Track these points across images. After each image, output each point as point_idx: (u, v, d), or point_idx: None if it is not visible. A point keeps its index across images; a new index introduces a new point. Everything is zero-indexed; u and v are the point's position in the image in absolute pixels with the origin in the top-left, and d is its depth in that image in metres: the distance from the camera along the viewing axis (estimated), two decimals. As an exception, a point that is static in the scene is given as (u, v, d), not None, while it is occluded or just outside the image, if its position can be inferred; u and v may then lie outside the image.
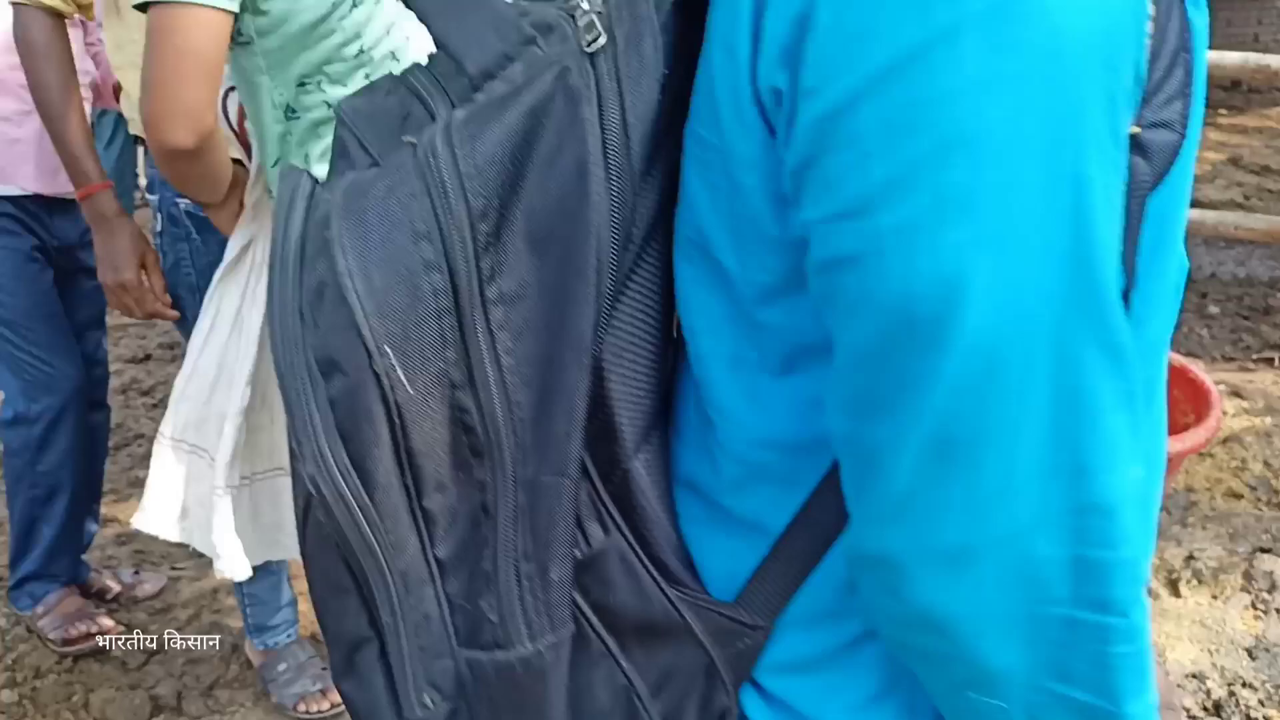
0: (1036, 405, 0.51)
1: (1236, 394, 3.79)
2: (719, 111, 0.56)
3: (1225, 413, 3.64)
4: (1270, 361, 4.14)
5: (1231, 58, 4.05)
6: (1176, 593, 2.71)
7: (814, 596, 0.64)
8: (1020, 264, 0.49)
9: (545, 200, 0.56)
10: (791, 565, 0.63)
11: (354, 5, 1.56)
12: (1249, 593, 2.69)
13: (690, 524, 0.67)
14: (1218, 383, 3.81)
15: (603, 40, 0.57)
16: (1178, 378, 3.08)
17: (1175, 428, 2.98)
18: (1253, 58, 4.12)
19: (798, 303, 0.58)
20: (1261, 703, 2.35)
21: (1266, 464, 3.24)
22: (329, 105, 1.59)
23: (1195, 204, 6.81)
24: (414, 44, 1.74)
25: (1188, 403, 2.98)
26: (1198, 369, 3.04)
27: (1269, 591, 2.67)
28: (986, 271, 0.49)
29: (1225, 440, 3.39)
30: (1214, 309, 4.79)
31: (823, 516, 0.62)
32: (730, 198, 0.58)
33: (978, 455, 0.51)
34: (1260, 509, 3.04)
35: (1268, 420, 3.54)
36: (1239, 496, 3.10)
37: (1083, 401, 0.51)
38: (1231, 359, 4.22)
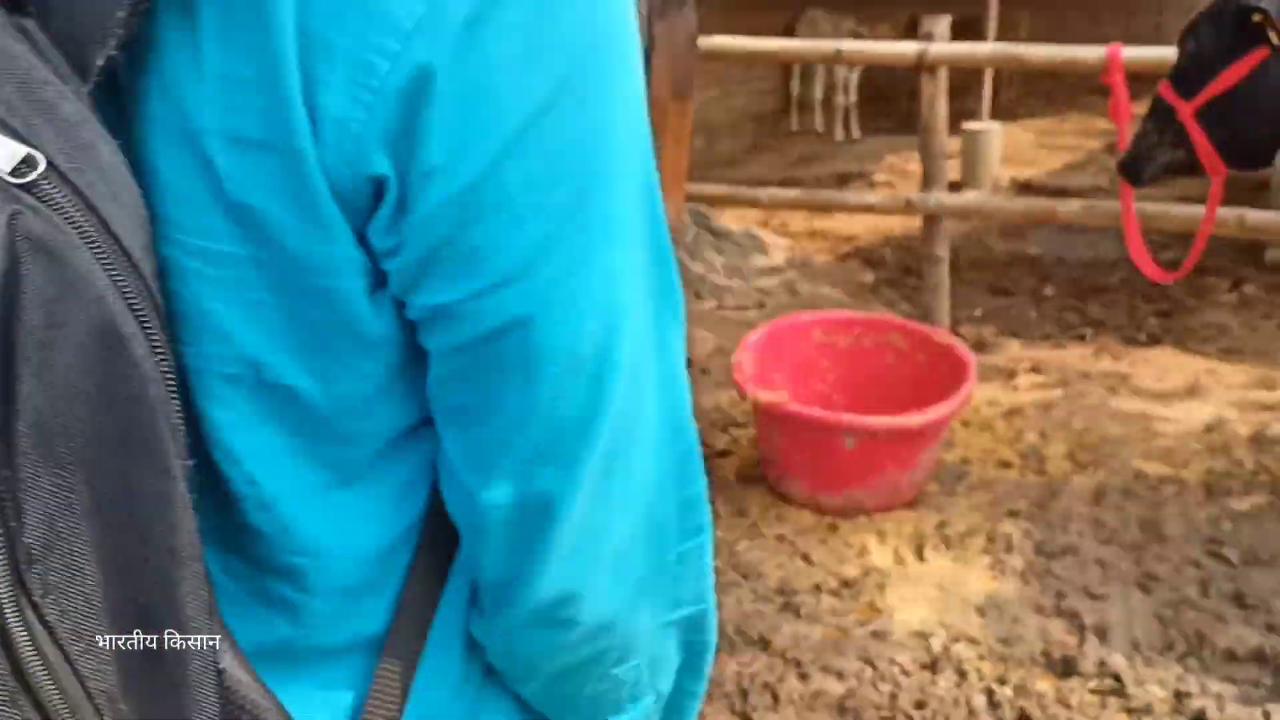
0: (651, 388, 0.58)
1: (1035, 369, 4.11)
2: (253, 217, 0.49)
3: (1017, 387, 3.94)
4: (1082, 338, 4.47)
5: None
6: (921, 558, 2.98)
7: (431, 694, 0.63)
8: (639, 272, 0.56)
9: (66, 408, 0.43)
10: (399, 665, 0.61)
11: None
12: (990, 554, 2.97)
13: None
14: (1025, 360, 4.12)
15: (40, 165, 0.43)
16: (944, 354, 3.36)
17: (935, 400, 3.26)
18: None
19: (395, 400, 0.57)
20: (981, 656, 2.63)
21: (1042, 434, 3.55)
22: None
23: (1060, 192, 7.21)
24: None
25: (950, 378, 3.25)
26: (962, 347, 3.32)
27: (1006, 552, 2.95)
28: (629, 288, 0.55)
29: (1009, 413, 3.69)
30: (1049, 290, 5.13)
31: (416, 605, 0.61)
32: (302, 310, 0.52)
33: (629, 459, 0.58)
34: (1025, 476, 3.34)
35: (1056, 393, 3.86)
36: (1009, 465, 3.39)
37: (673, 369, 0.60)
38: (1048, 337, 4.54)
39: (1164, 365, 4.20)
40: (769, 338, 3.56)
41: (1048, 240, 5.84)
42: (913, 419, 3.01)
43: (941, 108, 3.42)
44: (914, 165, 8.49)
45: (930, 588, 2.87)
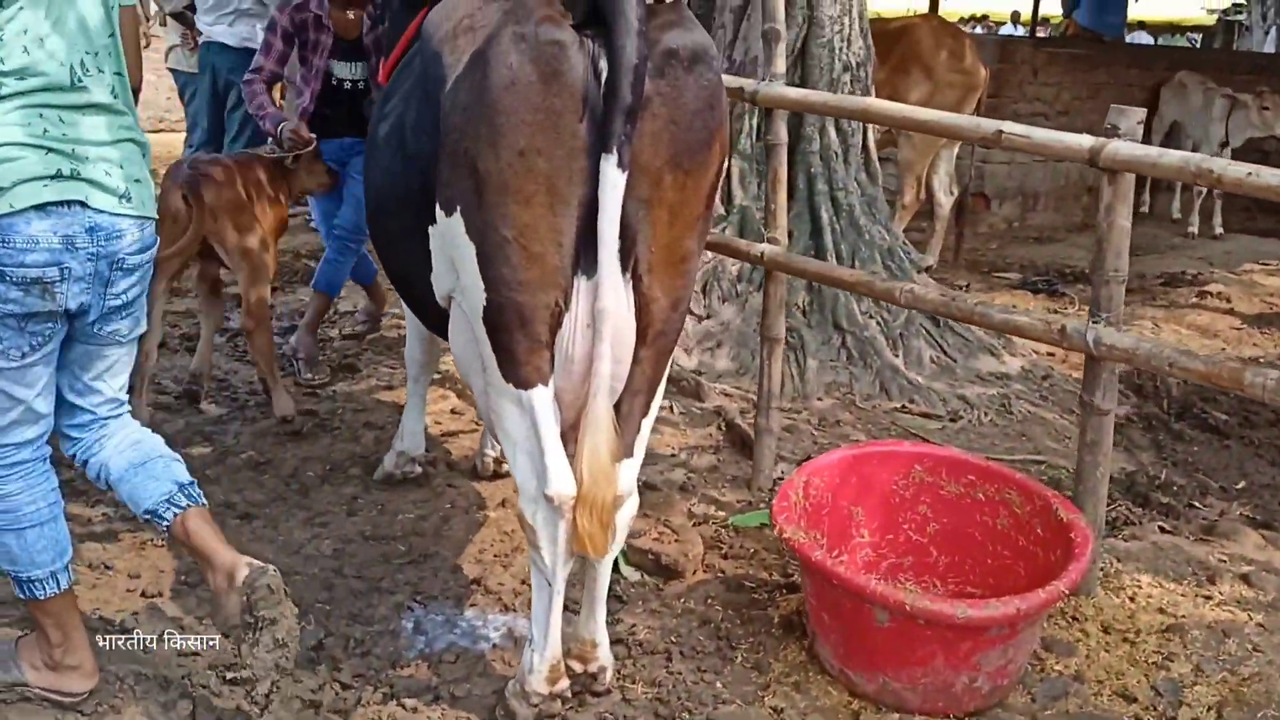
0: None
1: (1247, 579, 3.36)
2: None
3: (1210, 597, 3.25)
4: None
5: None
6: None
7: None
8: None
9: None
10: None
11: None
12: None
13: None
14: (1250, 563, 3.44)
15: None
16: (1060, 533, 2.88)
17: (1040, 570, 2.78)
18: None
19: None
20: None
21: (1196, 668, 2.89)
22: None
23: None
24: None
25: (1058, 565, 2.78)
26: (1084, 528, 2.83)
27: None
28: None
29: (1170, 629, 3.04)
30: None
31: None
32: None
33: None
34: (1145, 721, 2.71)
35: (1253, 620, 3.12)
36: (1130, 700, 2.78)
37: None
38: None
39: None
40: (855, 462, 3.18)
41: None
42: (959, 608, 2.54)
43: (1123, 218, 2.84)
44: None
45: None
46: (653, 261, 2.40)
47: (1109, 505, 3.80)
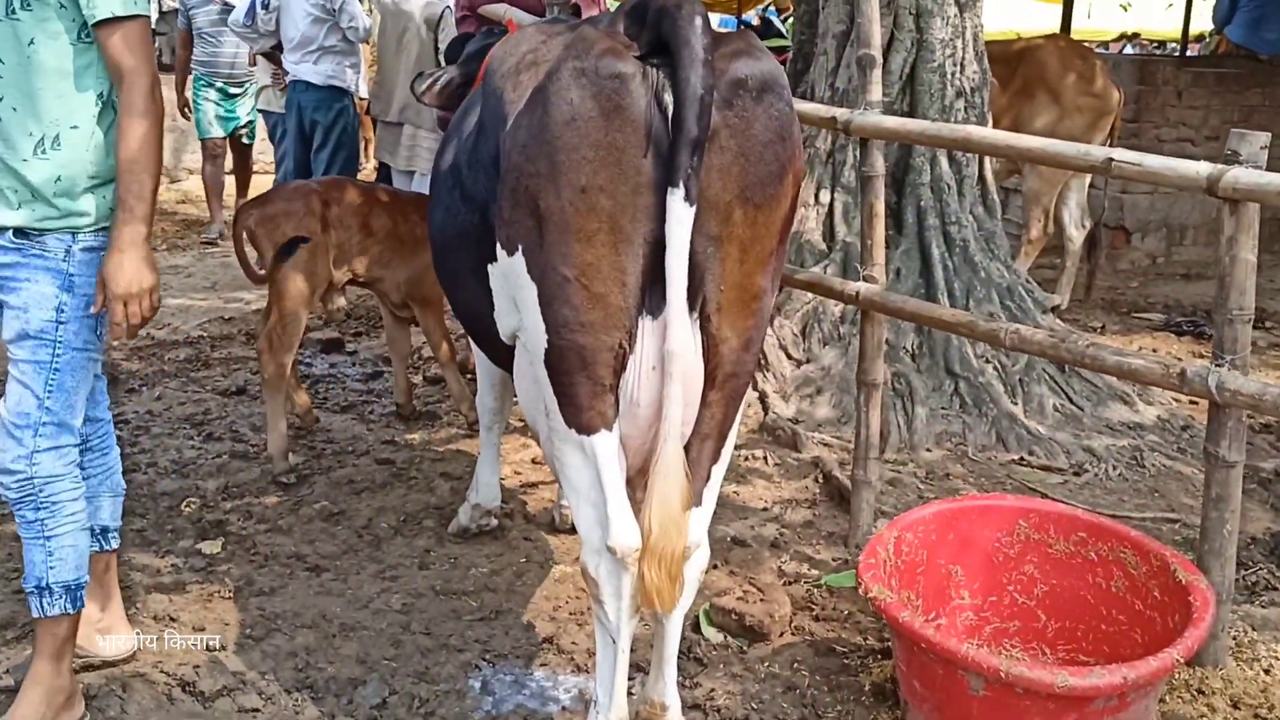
0: None
1: None
2: None
3: None
4: None
5: None
6: None
7: None
8: None
9: None
10: None
11: None
12: None
13: None
14: None
15: None
16: (1178, 594, 2.82)
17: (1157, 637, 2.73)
18: None
19: None
20: None
21: None
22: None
23: None
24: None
25: (1177, 629, 2.73)
26: (1205, 590, 2.77)
27: None
28: None
29: (1311, 707, 2.91)
30: None
31: None
32: None
33: None
34: None
35: None
36: None
37: None
38: None
39: None
40: (953, 516, 3.14)
41: None
42: (1059, 676, 2.48)
43: (1247, 252, 2.74)
44: None
45: None
46: (722, 301, 2.44)
47: (1247, 569, 3.68)
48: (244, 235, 4.43)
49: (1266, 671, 3.06)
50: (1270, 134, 2.90)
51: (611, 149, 2.32)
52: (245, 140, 8.89)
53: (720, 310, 2.45)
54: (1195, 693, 2.95)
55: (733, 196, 2.39)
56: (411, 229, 4.58)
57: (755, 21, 12.80)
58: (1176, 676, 2.97)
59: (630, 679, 2.77)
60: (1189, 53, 10.74)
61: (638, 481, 2.54)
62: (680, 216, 2.29)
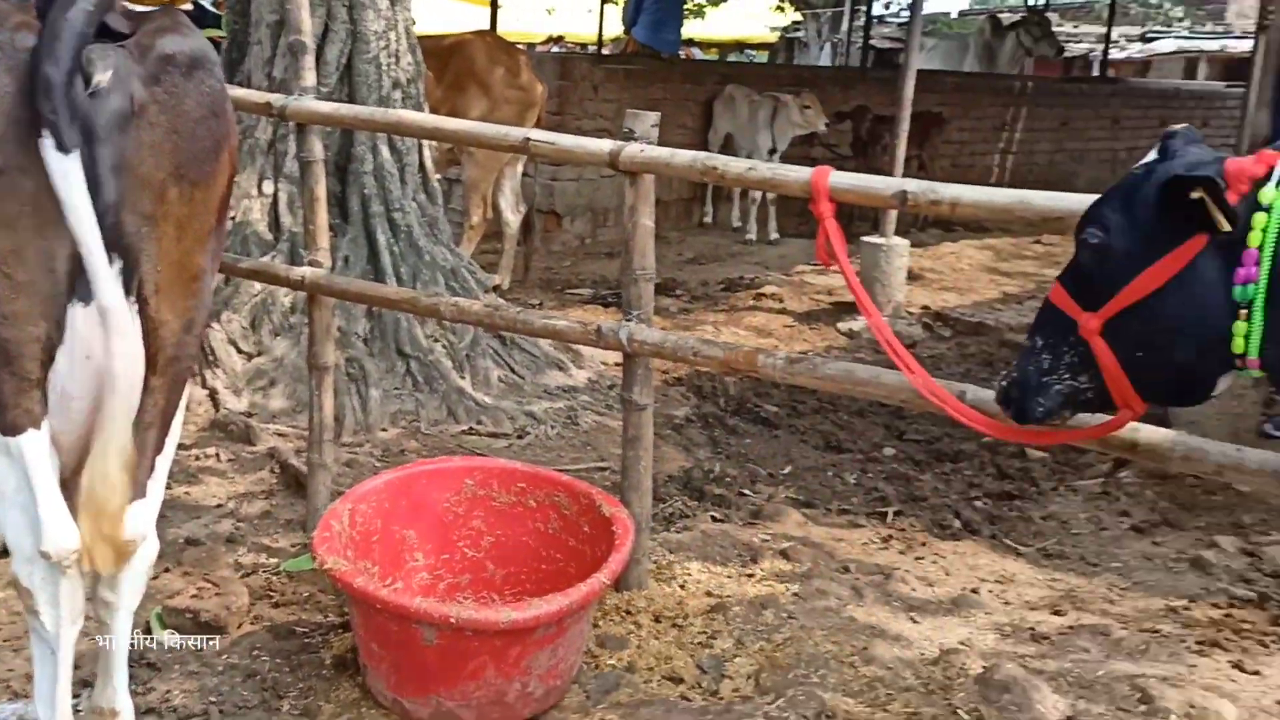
0: None
1: (786, 554, 3.83)
2: None
3: (751, 575, 3.66)
4: (883, 516, 4.21)
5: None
6: None
7: None
8: None
9: None
10: None
11: None
12: None
13: None
14: (789, 539, 3.87)
15: None
16: (603, 527, 3.10)
17: (589, 567, 3.00)
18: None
19: None
20: None
21: (738, 642, 3.25)
22: None
23: (976, 329, 7.04)
24: None
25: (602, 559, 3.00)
26: (626, 520, 3.07)
27: None
28: None
29: (714, 609, 3.40)
30: (889, 450, 4.88)
31: None
32: None
33: None
34: (691, 699, 3.02)
35: (789, 589, 3.57)
36: (678, 681, 3.08)
37: None
38: (846, 511, 4.28)
39: (953, 564, 3.91)
40: (404, 484, 3.29)
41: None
42: (503, 612, 2.71)
43: (646, 218, 3.19)
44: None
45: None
46: (160, 282, 2.36)
47: (666, 502, 4.19)
48: None
49: (682, 587, 3.53)
50: (660, 114, 3.34)
51: (21, 125, 2.16)
52: None
53: (159, 292, 2.37)
54: (624, 613, 3.33)
55: (166, 174, 2.32)
56: None
57: (189, 7, 12.25)
58: (607, 601, 3.34)
59: (75, 696, 2.61)
60: (604, 52, 11.77)
61: (73, 483, 2.41)
62: (62, 170, 2.12)
